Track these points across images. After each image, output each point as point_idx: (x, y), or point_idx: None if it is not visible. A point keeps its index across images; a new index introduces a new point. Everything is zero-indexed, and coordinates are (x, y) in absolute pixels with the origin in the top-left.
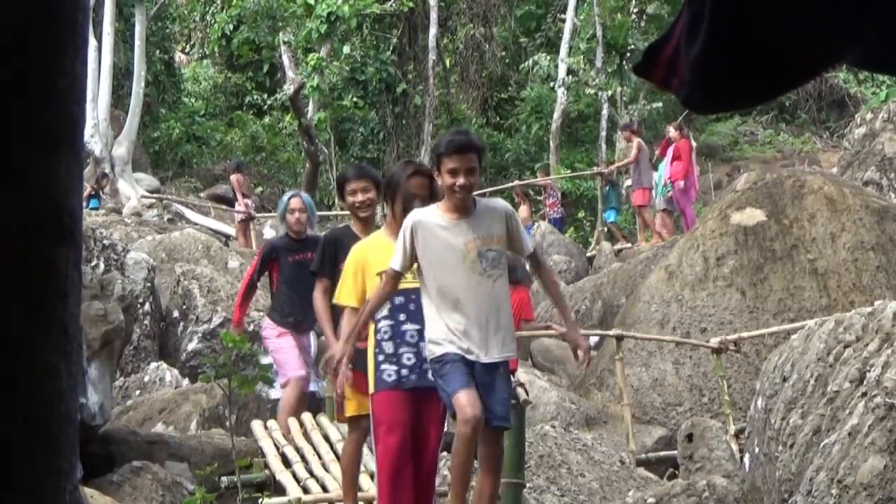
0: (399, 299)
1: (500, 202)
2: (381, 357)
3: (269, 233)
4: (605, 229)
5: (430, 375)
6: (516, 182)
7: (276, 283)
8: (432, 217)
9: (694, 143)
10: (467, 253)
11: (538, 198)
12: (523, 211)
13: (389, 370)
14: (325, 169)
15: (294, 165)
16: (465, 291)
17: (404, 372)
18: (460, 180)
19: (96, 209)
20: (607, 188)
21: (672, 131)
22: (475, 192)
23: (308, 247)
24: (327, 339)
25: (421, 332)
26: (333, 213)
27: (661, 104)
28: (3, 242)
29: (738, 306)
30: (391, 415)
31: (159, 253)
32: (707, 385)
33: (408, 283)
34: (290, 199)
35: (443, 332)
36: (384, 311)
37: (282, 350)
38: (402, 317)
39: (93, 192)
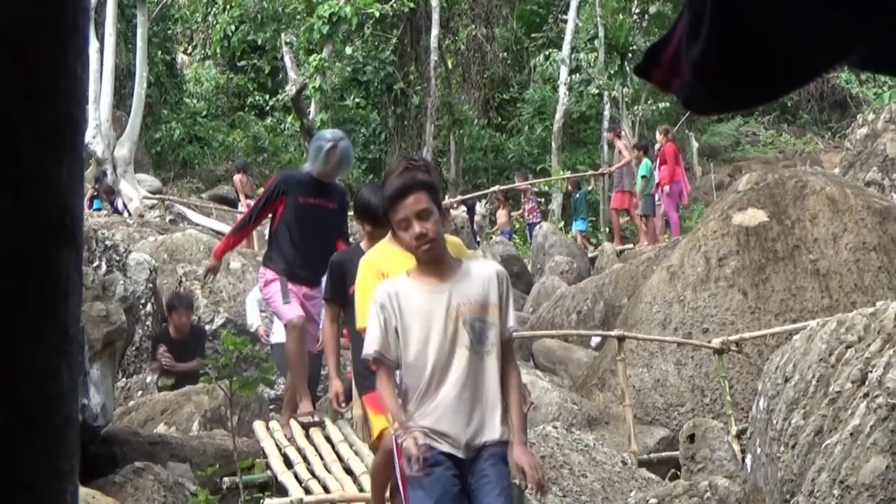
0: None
1: (493, 264)
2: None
3: None
4: (608, 229)
5: None
6: (496, 187)
7: (277, 222)
8: (404, 286)
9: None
10: (449, 322)
11: (540, 199)
12: (502, 216)
13: None
14: None
15: (296, 166)
16: (449, 370)
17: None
18: (415, 229)
19: (99, 210)
20: (576, 196)
21: (659, 136)
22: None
23: (330, 194)
24: (331, 371)
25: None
26: None
27: (667, 104)
28: (3, 243)
29: (740, 307)
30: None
31: (161, 254)
32: (709, 386)
33: None
34: (332, 147)
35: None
36: None
37: (275, 294)
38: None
39: (95, 194)
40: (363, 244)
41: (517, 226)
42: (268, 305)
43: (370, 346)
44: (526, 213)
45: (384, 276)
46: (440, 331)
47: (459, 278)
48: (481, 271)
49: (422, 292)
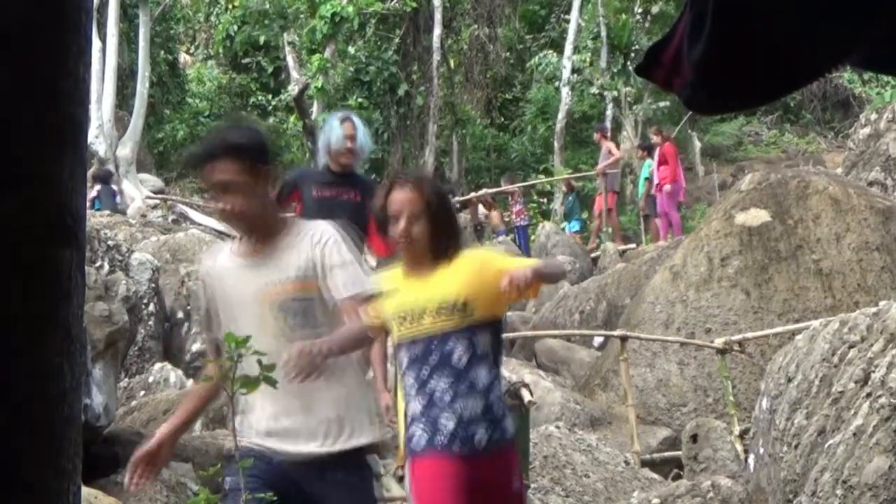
0: (417, 349)
1: (319, 226)
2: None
3: None
4: (610, 229)
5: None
6: (484, 190)
7: None
8: (222, 260)
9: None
10: (256, 308)
11: (541, 200)
12: (495, 217)
13: (436, 438)
14: None
15: (298, 166)
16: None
17: (441, 439)
18: (218, 204)
19: (101, 210)
20: (570, 197)
21: (654, 137)
22: None
23: (351, 185)
24: (378, 382)
25: (454, 385)
26: None
27: (669, 103)
28: (6, 243)
29: (743, 307)
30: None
31: (164, 254)
32: (711, 385)
33: (423, 327)
34: (343, 122)
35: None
36: (404, 363)
37: None
38: (424, 372)
39: (97, 195)
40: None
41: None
42: None
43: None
44: (514, 216)
45: None
46: (248, 318)
47: (279, 251)
48: (303, 239)
49: (233, 269)
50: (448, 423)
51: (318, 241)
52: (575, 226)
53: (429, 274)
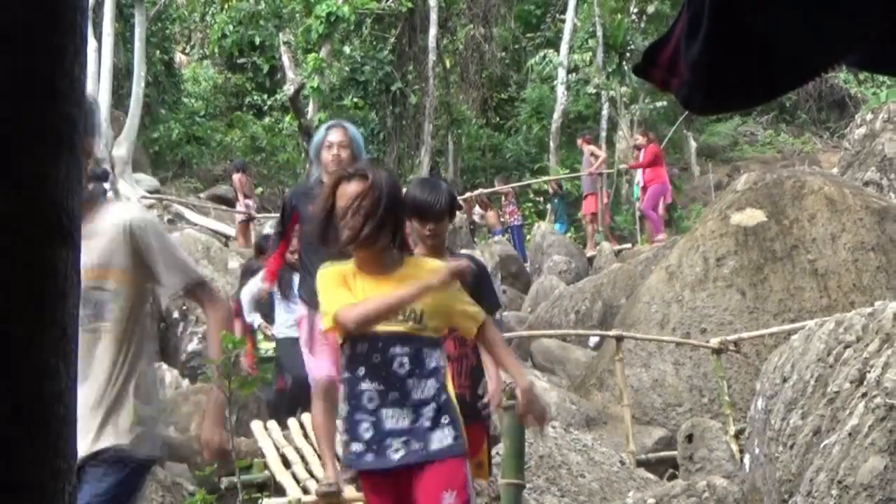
0: (362, 347)
1: (127, 211)
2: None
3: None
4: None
5: (394, 454)
6: (479, 190)
7: (298, 246)
8: None
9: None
10: None
11: (537, 199)
12: (491, 217)
13: (353, 445)
14: None
15: (294, 166)
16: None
17: (357, 447)
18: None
19: None
20: (556, 200)
21: (640, 138)
22: None
23: None
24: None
25: (383, 394)
26: None
27: (665, 103)
28: (1, 243)
29: (739, 307)
30: None
31: None
32: (707, 386)
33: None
34: (328, 129)
35: None
36: (344, 360)
37: (304, 337)
38: (360, 371)
39: None
40: (417, 250)
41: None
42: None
43: None
44: (507, 216)
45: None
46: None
47: (88, 234)
48: (108, 225)
49: None
50: (366, 433)
51: (126, 227)
52: (561, 228)
53: (384, 274)
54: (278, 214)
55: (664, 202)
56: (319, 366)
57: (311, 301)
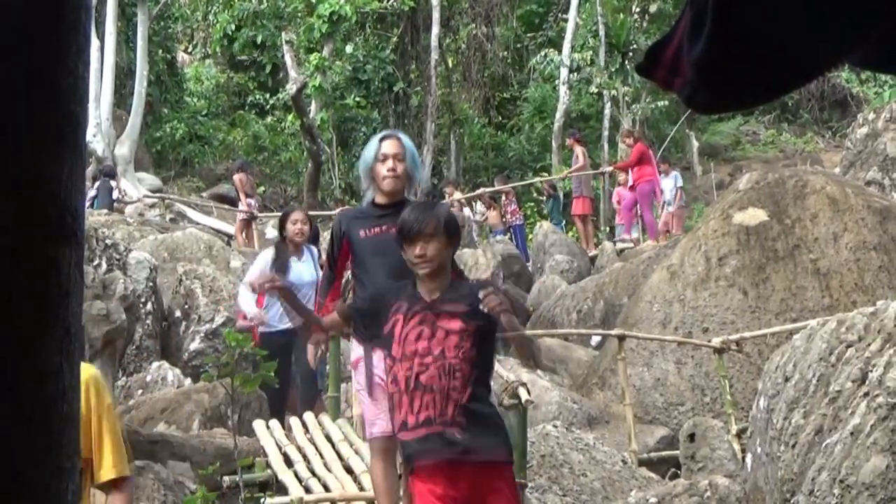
0: None
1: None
2: None
3: (271, 233)
4: (608, 228)
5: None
6: (481, 190)
7: (353, 275)
8: None
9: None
10: None
11: (540, 198)
12: (493, 217)
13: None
14: (327, 169)
15: (296, 165)
16: None
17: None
18: None
19: (98, 208)
20: (550, 201)
21: (625, 139)
22: None
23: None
24: None
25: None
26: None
27: (667, 102)
28: (5, 242)
29: (741, 306)
30: None
31: (161, 252)
32: (709, 385)
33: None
34: (382, 140)
35: None
36: None
37: (361, 382)
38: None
39: (96, 194)
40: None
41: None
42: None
43: None
44: (509, 216)
45: None
46: None
47: None
48: None
49: None
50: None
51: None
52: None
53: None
54: (279, 215)
55: (659, 201)
56: (377, 421)
57: (369, 339)
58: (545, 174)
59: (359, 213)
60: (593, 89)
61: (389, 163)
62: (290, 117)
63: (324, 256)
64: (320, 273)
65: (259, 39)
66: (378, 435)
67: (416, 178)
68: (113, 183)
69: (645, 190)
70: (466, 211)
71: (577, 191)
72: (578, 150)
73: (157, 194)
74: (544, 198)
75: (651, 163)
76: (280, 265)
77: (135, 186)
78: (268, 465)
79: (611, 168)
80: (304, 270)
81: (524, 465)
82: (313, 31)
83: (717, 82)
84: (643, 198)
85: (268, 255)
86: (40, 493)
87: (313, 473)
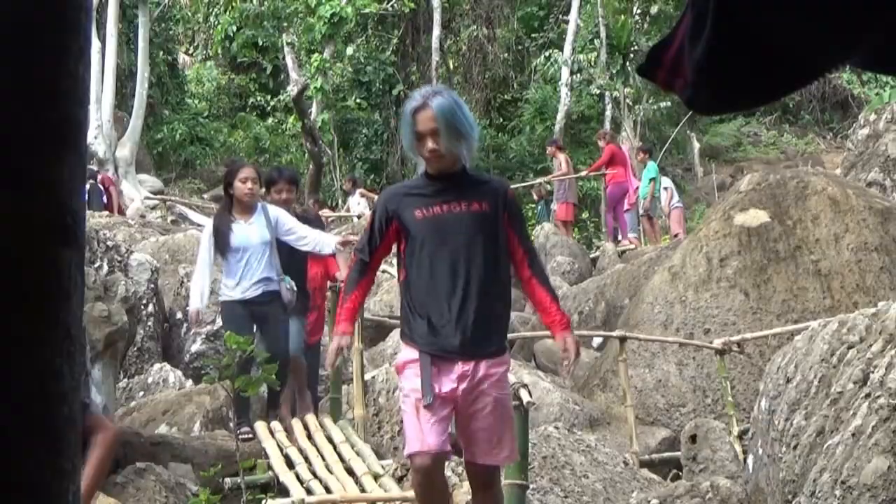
0: None
1: None
2: None
3: None
4: (605, 229)
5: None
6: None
7: (401, 266)
8: None
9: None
10: None
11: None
12: None
13: None
14: (328, 170)
15: (297, 167)
16: None
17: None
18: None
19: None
20: (540, 205)
21: (599, 141)
22: None
23: (470, 192)
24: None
25: None
26: (337, 214)
27: (668, 103)
28: (5, 243)
29: (742, 307)
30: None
31: (163, 254)
32: (710, 386)
33: None
34: (414, 114)
35: None
36: None
37: (409, 392)
38: None
39: (88, 197)
40: None
41: None
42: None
43: None
44: None
45: None
46: None
47: None
48: None
49: None
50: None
51: None
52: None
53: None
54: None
55: (631, 202)
56: (421, 437)
57: (418, 343)
58: (545, 175)
59: (408, 190)
60: (594, 91)
61: (429, 143)
62: (291, 119)
63: (288, 219)
64: (281, 230)
65: (260, 41)
66: (422, 449)
67: (467, 141)
68: (101, 186)
69: (614, 193)
70: None
71: (561, 197)
72: (561, 156)
73: (159, 196)
74: (535, 199)
75: (623, 164)
76: (221, 239)
77: (136, 188)
78: (269, 467)
79: (585, 172)
80: (253, 232)
81: (525, 466)
82: (314, 32)
83: (718, 83)
84: (612, 201)
85: (209, 228)
86: (40, 496)
87: (315, 475)
